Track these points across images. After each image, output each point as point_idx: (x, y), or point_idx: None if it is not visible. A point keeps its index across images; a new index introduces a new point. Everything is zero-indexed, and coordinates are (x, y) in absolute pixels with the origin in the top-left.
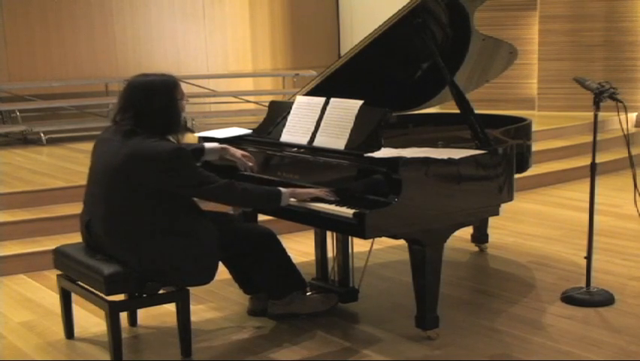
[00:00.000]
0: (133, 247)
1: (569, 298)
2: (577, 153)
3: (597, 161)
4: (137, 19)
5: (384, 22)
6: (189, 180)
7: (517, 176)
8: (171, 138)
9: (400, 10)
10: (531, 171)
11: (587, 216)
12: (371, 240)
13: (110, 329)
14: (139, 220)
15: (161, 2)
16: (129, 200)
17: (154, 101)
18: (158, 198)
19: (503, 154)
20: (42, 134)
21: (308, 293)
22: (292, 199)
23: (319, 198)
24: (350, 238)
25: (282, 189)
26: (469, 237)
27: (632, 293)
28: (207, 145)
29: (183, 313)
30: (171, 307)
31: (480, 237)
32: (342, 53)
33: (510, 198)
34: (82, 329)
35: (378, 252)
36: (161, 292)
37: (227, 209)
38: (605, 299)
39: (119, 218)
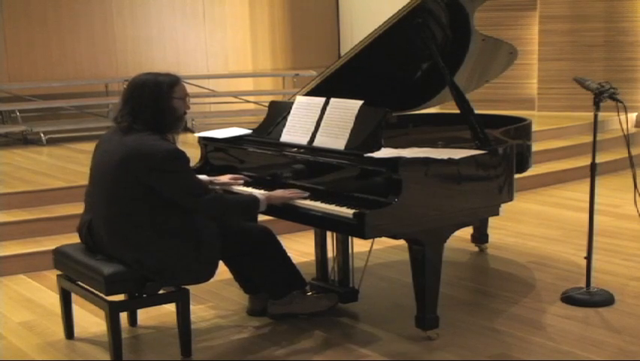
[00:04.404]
0: (134, 246)
1: (568, 299)
2: (577, 153)
3: (597, 161)
4: (137, 19)
5: (385, 22)
6: (181, 185)
7: (517, 176)
8: (169, 138)
9: (399, 10)
10: (531, 171)
11: (587, 216)
12: (371, 240)
13: (110, 329)
14: (140, 220)
15: (161, 2)
16: (129, 199)
17: (146, 98)
18: (159, 197)
19: (503, 154)
20: (42, 135)
21: (308, 293)
22: (270, 203)
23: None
24: (350, 238)
25: (259, 196)
26: (469, 237)
27: (632, 293)
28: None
29: (183, 313)
30: (171, 307)
31: (480, 237)
32: (342, 53)
33: (510, 198)
34: (82, 329)
35: (378, 252)
36: (161, 292)
37: None
38: (605, 299)
39: (120, 218)
